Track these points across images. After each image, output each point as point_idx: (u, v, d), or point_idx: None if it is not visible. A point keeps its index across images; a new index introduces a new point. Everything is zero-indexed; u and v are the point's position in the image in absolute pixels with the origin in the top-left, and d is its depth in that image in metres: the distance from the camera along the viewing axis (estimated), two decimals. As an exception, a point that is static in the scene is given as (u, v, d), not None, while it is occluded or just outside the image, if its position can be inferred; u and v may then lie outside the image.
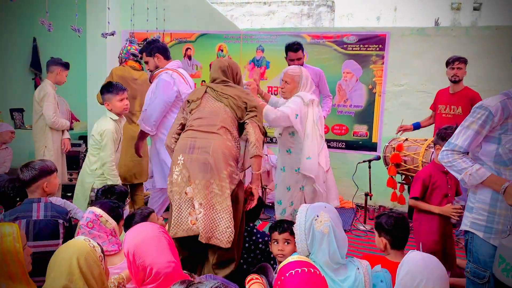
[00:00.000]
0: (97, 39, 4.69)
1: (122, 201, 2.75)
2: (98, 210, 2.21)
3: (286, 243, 2.46)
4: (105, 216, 2.21)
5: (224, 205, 2.50)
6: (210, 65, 5.34)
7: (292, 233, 2.36)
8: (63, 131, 4.52)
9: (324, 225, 1.94)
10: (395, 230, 2.32)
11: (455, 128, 2.25)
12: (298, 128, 3.23)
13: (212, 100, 2.76)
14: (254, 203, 2.72)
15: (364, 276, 1.95)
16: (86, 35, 5.16)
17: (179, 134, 2.82)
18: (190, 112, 2.81)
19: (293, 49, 4.19)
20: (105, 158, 3.23)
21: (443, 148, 2.15)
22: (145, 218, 2.65)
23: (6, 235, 1.74)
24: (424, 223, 3.06)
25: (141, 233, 1.82)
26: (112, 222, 2.22)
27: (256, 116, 2.71)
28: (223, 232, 2.48)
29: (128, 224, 2.56)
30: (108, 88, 3.33)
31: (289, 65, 4.20)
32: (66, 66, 4.45)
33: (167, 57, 3.84)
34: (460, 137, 2.07)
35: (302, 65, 4.16)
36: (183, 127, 2.84)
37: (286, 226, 2.49)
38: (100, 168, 3.26)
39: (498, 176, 1.98)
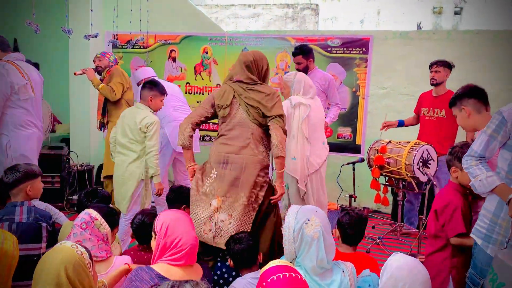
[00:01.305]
0: (79, 40, 4.63)
1: (106, 203, 2.70)
2: (94, 213, 2.16)
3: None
4: (100, 219, 2.16)
5: (252, 212, 2.73)
6: (195, 67, 5.33)
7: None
8: None
9: (314, 230, 1.92)
10: (348, 227, 2.43)
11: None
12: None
13: (240, 109, 2.79)
14: (278, 198, 2.82)
15: (349, 279, 1.95)
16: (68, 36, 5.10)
17: (197, 125, 2.88)
18: (221, 119, 2.84)
19: (292, 53, 4.29)
20: (152, 147, 3.37)
21: (465, 154, 2.13)
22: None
23: (8, 239, 1.81)
24: (460, 259, 2.45)
25: (177, 213, 2.05)
26: (106, 227, 2.17)
27: (275, 118, 2.74)
28: None
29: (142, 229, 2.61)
30: (159, 87, 3.54)
31: (295, 68, 4.29)
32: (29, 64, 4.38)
33: (4, 49, 3.71)
34: (477, 142, 2.06)
35: (304, 69, 4.22)
36: (205, 120, 2.90)
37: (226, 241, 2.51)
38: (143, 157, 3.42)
39: (508, 186, 1.92)
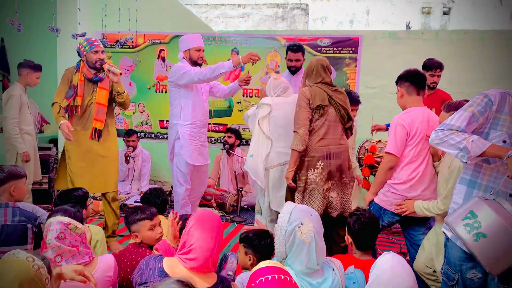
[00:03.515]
0: (67, 40, 4.58)
1: (82, 205, 2.63)
2: (65, 219, 2.04)
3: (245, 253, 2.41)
4: (73, 222, 2.05)
5: (350, 188, 3.37)
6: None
7: (247, 247, 2.37)
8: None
9: (306, 235, 1.87)
10: (359, 234, 2.38)
11: None
12: (250, 127, 3.69)
13: (331, 107, 3.22)
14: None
15: (340, 277, 1.95)
16: (55, 35, 5.04)
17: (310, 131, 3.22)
18: (318, 117, 3.19)
19: (293, 49, 4.22)
20: None
21: (436, 129, 2.01)
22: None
23: None
24: None
25: (209, 218, 2.00)
26: (81, 227, 2.08)
27: (352, 123, 3.41)
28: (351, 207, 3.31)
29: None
30: None
31: (287, 65, 4.29)
32: (35, 68, 4.32)
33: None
34: (457, 119, 1.95)
35: (300, 67, 4.25)
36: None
37: (243, 237, 2.44)
38: None
39: (500, 145, 1.85)
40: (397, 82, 3.00)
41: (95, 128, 3.65)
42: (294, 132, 3.19)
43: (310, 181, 3.21)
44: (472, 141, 1.83)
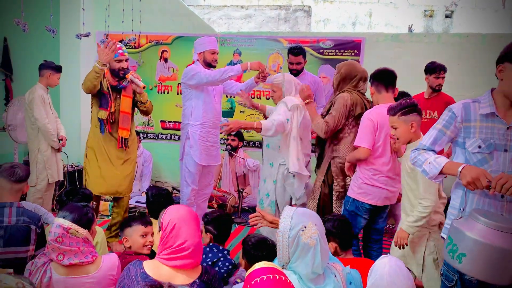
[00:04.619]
0: (70, 40, 4.60)
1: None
2: (66, 223, 2.03)
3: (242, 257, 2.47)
4: (75, 227, 2.03)
5: None
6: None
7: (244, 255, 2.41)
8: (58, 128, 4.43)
9: (312, 238, 1.84)
10: (343, 233, 2.45)
11: None
12: (288, 130, 3.41)
13: None
14: None
15: (341, 282, 1.94)
16: (59, 35, 5.06)
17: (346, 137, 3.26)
18: (356, 123, 3.19)
19: (294, 52, 4.24)
20: None
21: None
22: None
23: None
24: None
25: (185, 212, 1.99)
26: (83, 232, 2.05)
27: None
28: None
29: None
30: None
31: (288, 68, 4.29)
32: (57, 69, 4.34)
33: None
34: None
35: (301, 70, 4.26)
36: None
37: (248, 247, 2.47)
38: None
39: (455, 162, 1.97)
40: (371, 82, 3.21)
41: (121, 138, 3.63)
42: (325, 121, 3.20)
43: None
44: (429, 163, 1.98)
